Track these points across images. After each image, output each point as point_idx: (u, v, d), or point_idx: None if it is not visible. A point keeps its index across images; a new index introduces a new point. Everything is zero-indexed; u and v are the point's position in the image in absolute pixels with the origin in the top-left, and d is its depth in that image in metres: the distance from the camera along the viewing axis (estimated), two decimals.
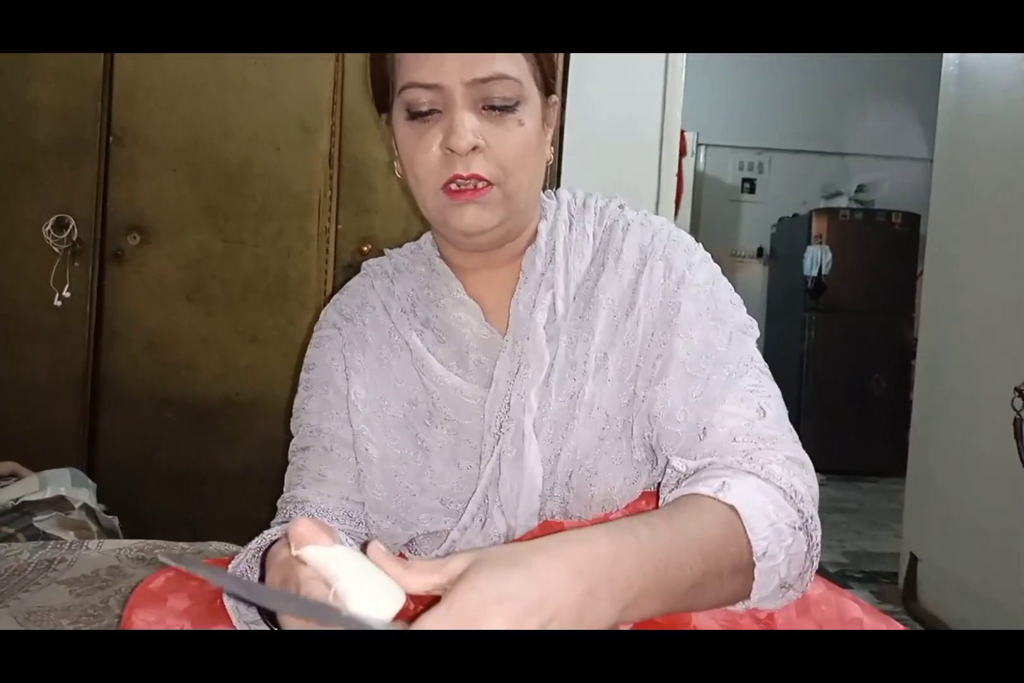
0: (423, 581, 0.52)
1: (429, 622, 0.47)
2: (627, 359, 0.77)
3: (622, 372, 0.77)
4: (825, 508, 3.87)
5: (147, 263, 2.10)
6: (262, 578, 0.69)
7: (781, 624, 0.71)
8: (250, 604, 0.67)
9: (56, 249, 2.06)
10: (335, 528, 0.72)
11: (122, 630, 0.61)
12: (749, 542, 0.61)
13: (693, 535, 0.59)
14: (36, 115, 2.05)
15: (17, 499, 1.52)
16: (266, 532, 0.74)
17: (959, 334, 2.28)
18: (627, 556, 0.54)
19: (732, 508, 0.62)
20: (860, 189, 4.87)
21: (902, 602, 2.37)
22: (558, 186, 2.14)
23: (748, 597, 0.63)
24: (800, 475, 0.69)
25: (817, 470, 3.00)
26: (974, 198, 2.26)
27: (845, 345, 4.51)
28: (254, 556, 0.71)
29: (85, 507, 1.58)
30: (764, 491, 0.65)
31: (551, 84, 0.78)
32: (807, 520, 0.66)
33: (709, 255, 0.83)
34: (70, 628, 0.89)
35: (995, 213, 2.13)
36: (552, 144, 0.82)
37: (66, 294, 2.06)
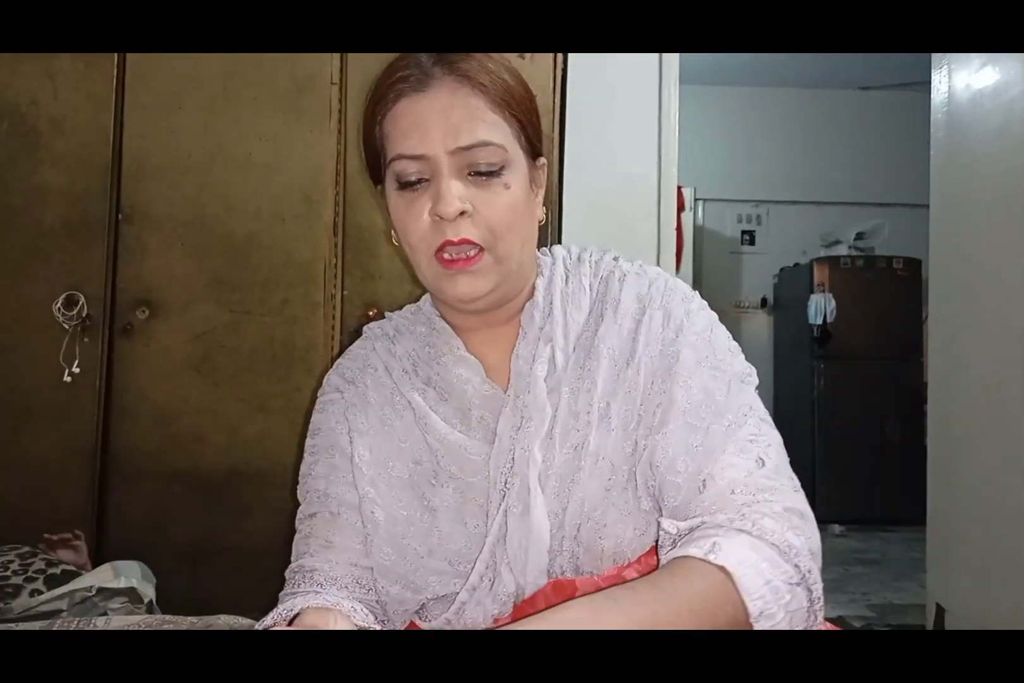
0: None
1: None
2: (630, 408, 0.77)
3: (625, 421, 0.77)
4: (847, 560, 3.80)
5: (155, 337, 2.13)
6: None
7: None
8: None
9: (66, 326, 2.09)
10: (345, 609, 0.71)
11: (117, 630, 0.60)
12: (744, 603, 0.60)
13: (680, 595, 0.59)
14: (45, 198, 2.11)
15: (92, 587, 1.51)
16: (279, 607, 0.73)
17: (968, 377, 2.27)
18: (607, 617, 0.55)
19: (723, 569, 0.61)
20: (859, 237, 4.92)
21: None
22: (560, 240, 2.18)
23: None
24: (798, 527, 0.68)
25: (836, 521, 2.98)
26: (971, 242, 2.28)
27: (855, 392, 4.48)
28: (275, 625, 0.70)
29: (150, 604, 1.57)
30: (757, 549, 0.64)
31: (537, 147, 0.81)
32: (804, 575, 0.65)
33: (706, 303, 0.84)
34: None
35: (993, 255, 2.15)
36: (546, 205, 0.84)
37: (75, 370, 2.08)
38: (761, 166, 5.25)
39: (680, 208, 4.51)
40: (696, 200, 5.11)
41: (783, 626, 0.63)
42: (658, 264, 2.26)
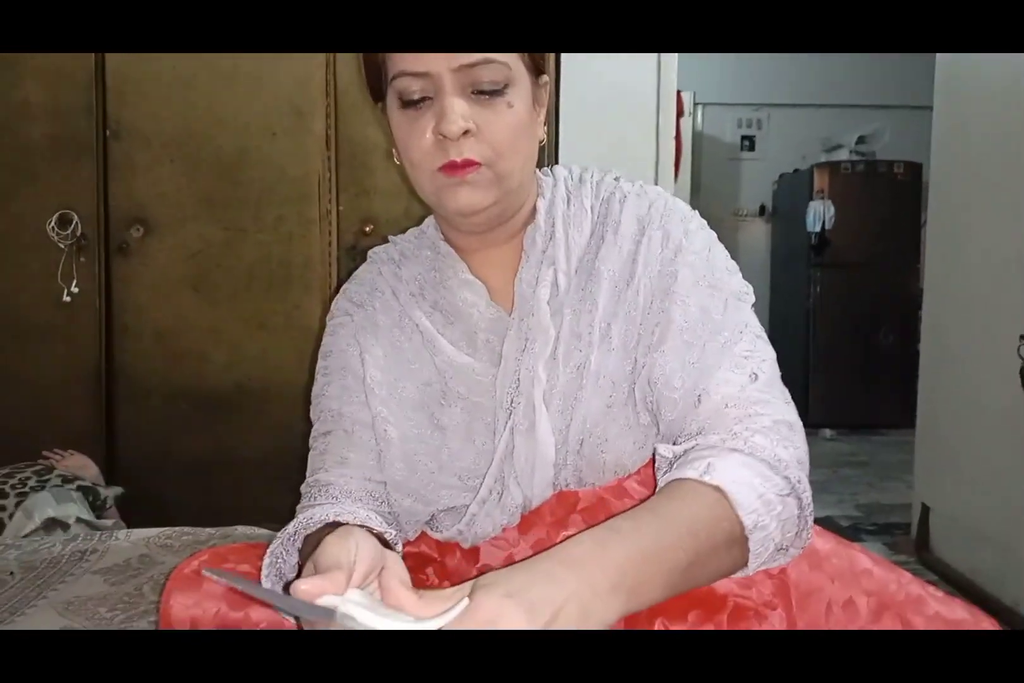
0: (435, 608, 0.55)
1: (454, 625, 0.51)
2: (630, 328, 0.79)
3: (625, 341, 0.79)
4: (836, 463, 3.91)
5: (151, 255, 2.12)
6: (297, 563, 0.73)
7: (794, 577, 0.73)
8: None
9: (61, 245, 2.08)
10: (360, 518, 0.74)
11: (127, 631, 0.63)
12: (740, 518, 0.64)
13: (681, 518, 0.62)
14: (30, 114, 2.06)
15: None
16: (300, 517, 0.76)
17: (964, 283, 2.28)
18: (612, 549, 0.58)
19: (718, 488, 0.64)
20: (861, 141, 4.83)
21: (915, 552, 2.40)
22: (556, 154, 2.14)
23: (747, 565, 0.66)
24: (787, 438, 0.71)
25: (827, 425, 3.06)
26: (975, 145, 2.25)
27: (851, 299, 4.50)
28: (290, 541, 0.74)
29: (80, 520, 1.61)
30: (749, 465, 0.67)
31: (541, 64, 0.79)
32: (794, 485, 0.68)
33: (705, 222, 0.84)
34: (108, 615, 0.92)
35: (996, 160, 2.12)
36: (546, 122, 0.83)
37: (74, 289, 2.08)
38: (763, 68, 5.08)
39: (679, 113, 4.41)
40: (696, 105, 4.97)
41: (776, 535, 0.66)
42: (656, 172, 2.24)
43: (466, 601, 0.53)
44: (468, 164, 0.74)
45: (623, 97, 2.18)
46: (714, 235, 0.83)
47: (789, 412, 0.74)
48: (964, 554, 2.21)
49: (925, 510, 2.40)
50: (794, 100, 5.13)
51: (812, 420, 4.49)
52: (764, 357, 0.77)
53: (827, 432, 4.30)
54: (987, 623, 0.74)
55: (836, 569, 0.74)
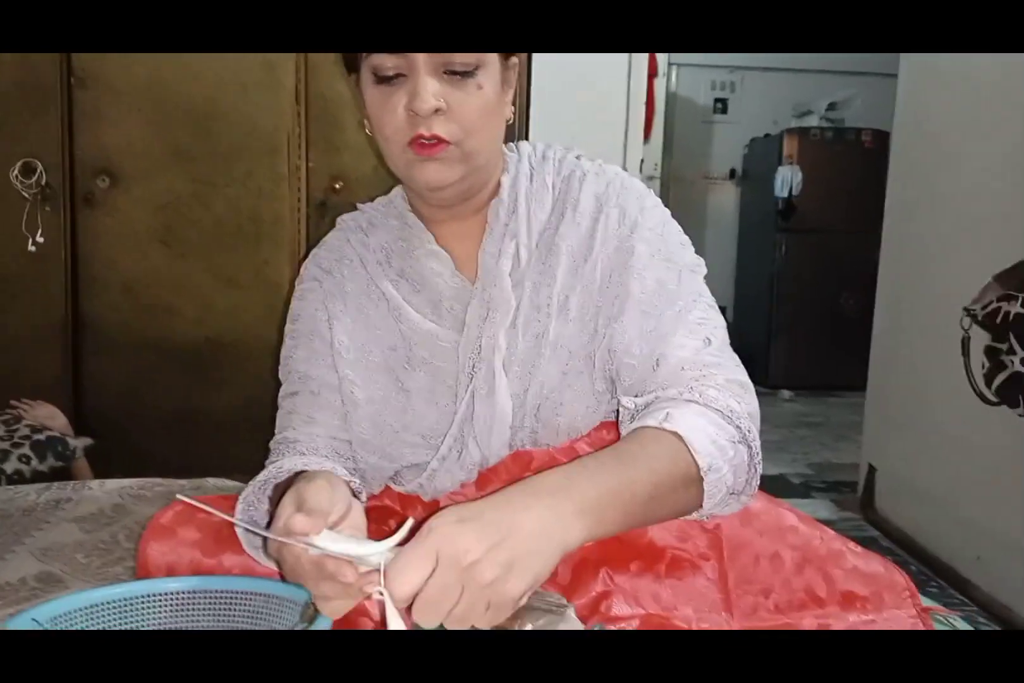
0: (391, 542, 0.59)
1: (408, 546, 0.56)
2: (587, 300, 0.84)
3: (582, 312, 0.84)
4: (792, 423, 4.02)
5: (118, 207, 2.11)
6: (268, 510, 0.78)
7: (727, 532, 0.80)
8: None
9: (25, 194, 2.07)
10: (327, 468, 0.79)
11: (124, 631, 0.67)
12: (695, 460, 0.69)
13: (641, 458, 0.68)
14: None
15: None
16: (271, 468, 0.81)
17: (918, 252, 2.35)
18: (578, 477, 0.63)
19: (676, 434, 0.70)
20: (831, 107, 4.85)
21: (860, 510, 2.52)
22: (527, 116, 2.16)
23: (701, 506, 0.72)
24: (739, 394, 0.77)
25: (787, 387, 3.15)
26: (938, 115, 2.29)
27: (815, 264, 4.58)
28: (261, 489, 0.79)
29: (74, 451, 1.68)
30: (703, 415, 0.73)
31: None
32: (745, 434, 0.74)
33: (659, 200, 0.89)
34: (84, 562, 0.96)
35: (959, 131, 2.17)
36: (515, 100, 0.86)
37: (39, 240, 2.07)
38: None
39: (652, 74, 4.39)
40: (670, 65, 4.95)
41: (728, 478, 0.72)
42: (626, 133, 2.26)
43: (410, 521, 0.58)
44: (437, 141, 0.77)
45: (595, 59, 2.18)
46: (668, 212, 0.88)
47: (740, 373, 0.80)
48: (906, 512, 2.32)
49: (871, 470, 2.51)
50: (768, 64, 5.13)
51: (772, 381, 4.61)
52: (716, 324, 0.82)
53: (785, 393, 4.42)
54: (899, 576, 0.81)
55: (764, 525, 0.81)
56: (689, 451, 0.69)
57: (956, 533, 2.05)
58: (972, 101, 2.11)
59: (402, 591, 0.54)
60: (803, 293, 4.59)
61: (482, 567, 0.55)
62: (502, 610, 0.57)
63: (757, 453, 0.75)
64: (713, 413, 0.73)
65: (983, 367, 1.81)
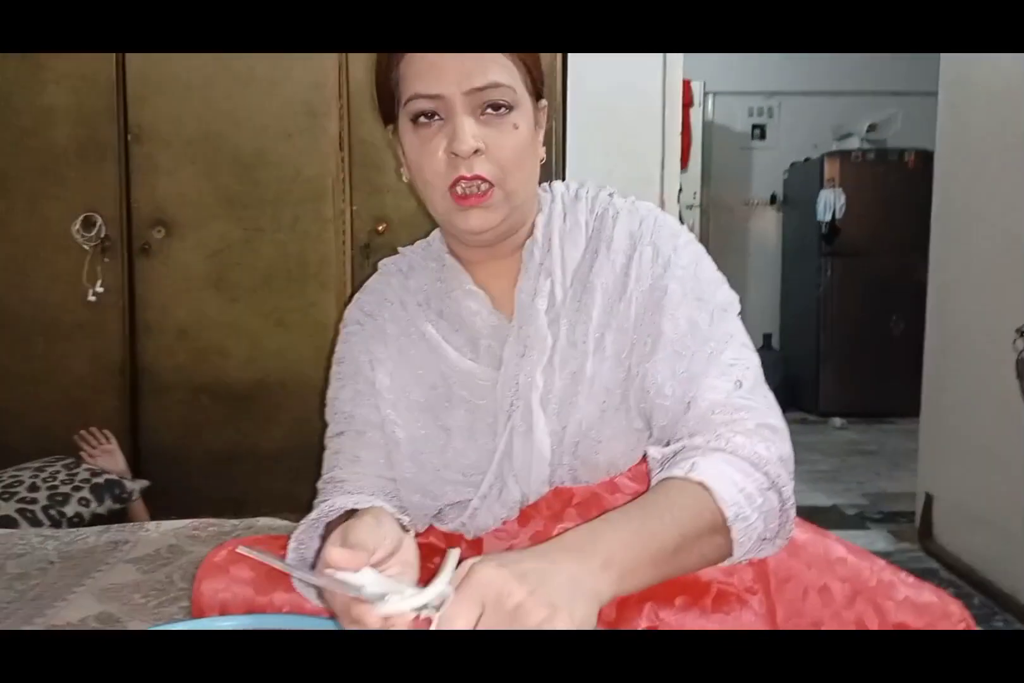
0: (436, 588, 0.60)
1: (455, 593, 0.57)
2: (622, 338, 0.85)
3: (618, 350, 0.85)
4: (845, 451, 3.93)
5: (173, 255, 2.19)
6: (318, 549, 0.79)
7: (774, 565, 0.80)
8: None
9: (86, 247, 2.16)
10: (376, 512, 0.81)
11: (130, 630, 0.69)
12: (721, 509, 0.70)
13: (666, 509, 0.68)
14: (54, 119, 2.13)
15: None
16: (322, 506, 0.83)
17: (967, 273, 2.31)
18: (604, 535, 0.64)
19: (701, 483, 0.70)
20: (871, 128, 4.81)
21: (918, 540, 2.45)
22: (564, 148, 2.19)
23: (732, 554, 0.72)
24: (769, 439, 0.77)
25: (838, 414, 3.09)
26: (980, 133, 2.26)
27: (862, 288, 4.51)
28: (312, 528, 0.81)
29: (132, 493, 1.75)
30: (730, 462, 0.73)
31: (540, 89, 0.85)
32: (774, 479, 0.74)
33: (693, 237, 0.90)
34: (142, 601, 0.99)
35: (1001, 148, 2.14)
36: (545, 142, 0.89)
37: (99, 289, 2.16)
38: (772, 56, 5.07)
39: (687, 103, 4.42)
40: (705, 94, 4.98)
41: (759, 526, 0.72)
42: (662, 163, 2.27)
43: (452, 561, 0.60)
44: (478, 180, 0.79)
45: (629, 89, 2.21)
46: (702, 249, 0.89)
47: (772, 415, 0.80)
48: (967, 543, 2.25)
49: (928, 498, 2.44)
50: (805, 88, 5.12)
51: (823, 409, 4.52)
52: (748, 365, 0.82)
53: (837, 421, 4.33)
54: (954, 606, 0.80)
55: (812, 556, 0.80)
56: (714, 500, 0.70)
57: (1020, 563, 1.98)
58: (1014, 115, 2.08)
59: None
60: (851, 318, 4.52)
61: (527, 608, 0.56)
62: None
63: (789, 498, 0.75)
64: (740, 461, 0.73)
65: None
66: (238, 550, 0.63)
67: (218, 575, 0.83)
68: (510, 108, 0.80)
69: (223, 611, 0.82)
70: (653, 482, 0.75)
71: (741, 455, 0.74)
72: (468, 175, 0.79)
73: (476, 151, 0.78)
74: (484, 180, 0.79)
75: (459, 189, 0.80)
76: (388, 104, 0.84)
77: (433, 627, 0.57)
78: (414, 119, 0.81)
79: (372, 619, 0.59)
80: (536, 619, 0.55)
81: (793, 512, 0.77)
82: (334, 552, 0.61)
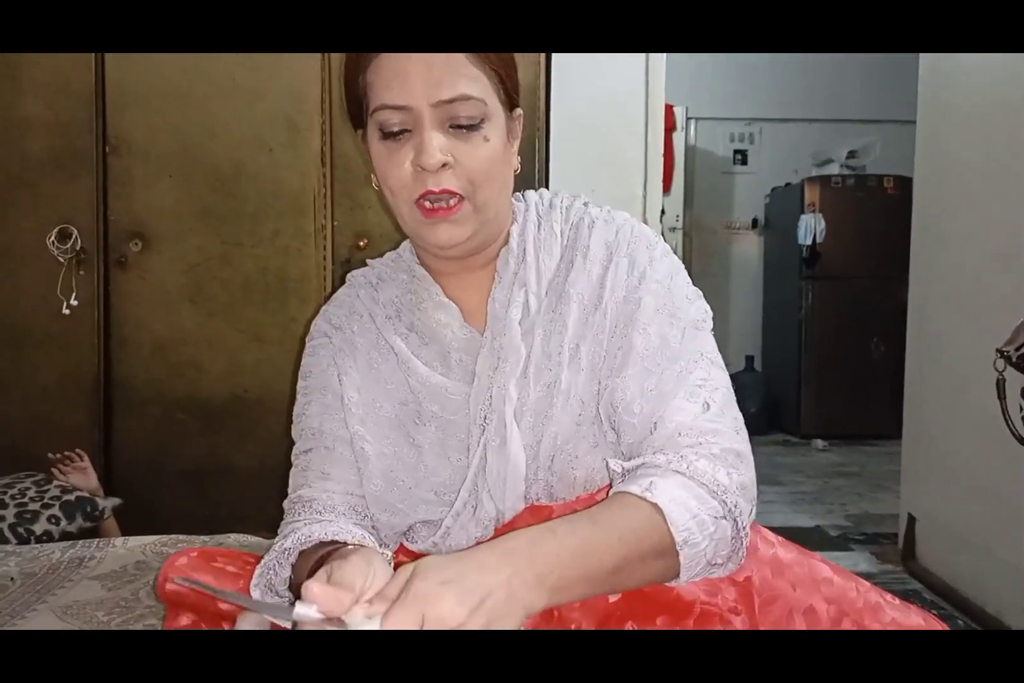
0: (384, 600, 0.59)
1: (393, 612, 0.57)
2: (597, 350, 0.83)
3: (593, 362, 0.83)
4: (828, 473, 3.94)
5: (149, 268, 2.16)
6: (288, 577, 0.78)
7: (758, 585, 0.77)
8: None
9: (61, 259, 2.12)
10: (357, 537, 0.78)
11: (125, 630, 0.67)
12: (671, 533, 0.69)
13: (613, 526, 0.67)
14: (31, 130, 2.10)
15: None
16: (297, 534, 0.79)
17: (946, 295, 2.33)
18: (544, 546, 0.63)
19: (655, 505, 0.69)
20: (851, 155, 4.87)
21: (901, 561, 2.44)
22: (547, 171, 2.19)
23: (678, 576, 0.71)
24: (733, 465, 0.75)
25: (819, 436, 3.11)
26: (957, 159, 2.29)
27: (842, 311, 4.55)
28: (285, 556, 0.78)
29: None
30: (687, 488, 0.71)
31: (514, 99, 0.83)
32: (731, 508, 0.73)
33: (669, 248, 0.89)
34: (105, 619, 0.95)
35: (979, 174, 2.17)
36: (520, 151, 0.87)
37: (73, 302, 2.12)
38: (754, 83, 5.15)
39: (670, 127, 4.46)
40: (688, 119, 5.03)
41: (709, 552, 0.71)
42: (645, 186, 2.28)
43: (378, 617, 0.58)
44: (446, 194, 0.77)
45: (612, 112, 2.22)
46: (677, 262, 0.87)
47: (738, 441, 0.78)
48: (949, 563, 2.24)
49: (911, 520, 2.43)
50: (785, 115, 5.20)
51: (804, 431, 4.53)
52: (717, 385, 0.80)
53: (819, 443, 4.34)
54: (939, 628, 0.78)
55: (797, 577, 0.78)
56: (666, 523, 0.69)
57: (1003, 584, 1.97)
58: (991, 141, 2.11)
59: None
60: (832, 340, 4.55)
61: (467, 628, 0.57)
62: None
63: (744, 527, 0.74)
64: (698, 487, 0.72)
65: (1020, 409, 1.77)
66: (175, 580, 0.62)
67: (182, 574, 0.81)
68: (480, 120, 0.78)
69: (192, 608, 0.80)
70: (607, 496, 0.74)
71: (700, 481, 0.72)
72: (436, 189, 0.77)
73: (444, 165, 0.77)
74: (453, 194, 0.78)
75: (427, 202, 0.78)
76: (356, 110, 0.82)
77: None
78: (382, 130, 0.79)
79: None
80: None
81: (747, 540, 0.75)
82: (315, 587, 0.59)
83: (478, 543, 0.83)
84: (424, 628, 0.56)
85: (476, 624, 0.57)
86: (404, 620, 0.56)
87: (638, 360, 0.80)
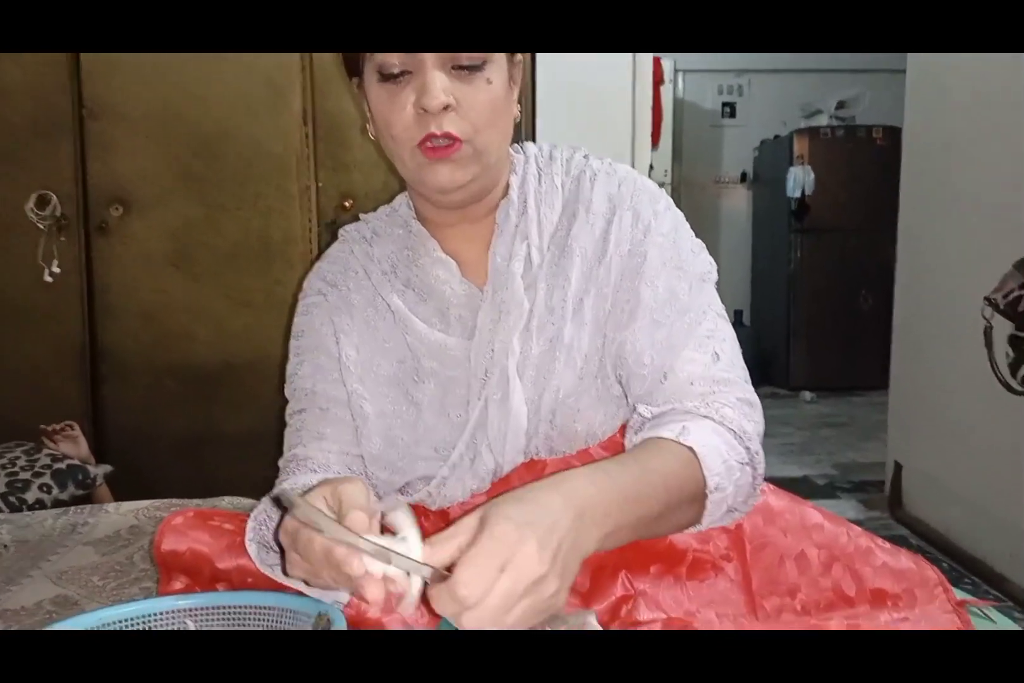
0: (447, 548, 0.56)
1: (474, 553, 0.53)
2: (600, 304, 0.82)
3: (596, 316, 0.82)
4: (816, 424, 3.98)
5: (132, 234, 2.13)
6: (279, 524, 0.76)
7: (749, 532, 0.78)
8: (269, 550, 0.74)
9: (40, 226, 2.09)
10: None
11: (122, 631, 0.67)
12: (704, 478, 0.69)
13: (659, 472, 0.67)
14: (7, 96, 2.05)
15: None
16: (286, 484, 0.80)
17: (935, 246, 2.33)
18: (604, 489, 0.62)
19: (691, 449, 0.69)
20: (840, 106, 4.83)
21: (888, 508, 2.48)
22: (534, 124, 2.16)
23: (699, 522, 0.72)
24: (748, 414, 0.76)
25: (808, 387, 3.14)
26: (947, 108, 2.27)
27: (831, 264, 4.55)
28: (273, 508, 0.77)
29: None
30: (718, 433, 0.72)
31: None
32: (753, 456, 0.74)
33: (672, 202, 0.87)
34: (100, 583, 0.96)
35: (969, 123, 2.15)
36: (521, 98, 0.85)
37: (55, 269, 2.09)
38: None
39: (658, 81, 4.40)
40: (676, 71, 4.96)
41: (730, 498, 0.72)
42: (633, 140, 2.25)
43: (405, 519, 0.56)
44: (449, 139, 0.75)
45: (599, 67, 2.18)
46: (681, 215, 0.86)
47: (748, 391, 0.79)
48: (935, 510, 2.28)
49: (898, 468, 2.47)
50: (774, 66, 5.12)
51: (793, 383, 4.56)
52: (724, 337, 0.81)
53: (807, 394, 4.37)
54: (931, 571, 0.79)
55: (788, 523, 0.79)
56: (700, 468, 0.69)
57: (987, 529, 2.01)
58: (982, 92, 2.08)
59: (472, 597, 0.52)
60: (820, 293, 4.56)
61: (548, 581, 0.54)
62: (546, 617, 0.57)
63: (760, 475, 0.75)
64: (727, 432, 0.73)
65: (1007, 357, 1.78)
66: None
67: (178, 535, 0.81)
68: (483, 62, 0.76)
69: (185, 571, 0.80)
70: (636, 439, 0.74)
71: (728, 426, 0.73)
72: (438, 132, 0.75)
73: (446, 107, 0.74)
74: (454, 138, 0.76)
75: (429, 144, 0.76)
76: (353, 56, 0.80)
77: (439, 589, 0.53)
78: (381, 73, 0.76)
79: (357, 565, 0.54)
80: (550, 590, 0.54)
81: (760, 487, 0.77)
82: (356, 517, 0.56)
83: (473, 495, 0.83)
84: (504, 578, 0.52)
85: (557, 575, 0.55)
86: (486, 566, 0.52)
87: (647, 313, 0.80)
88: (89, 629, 0.64)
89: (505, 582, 0.52)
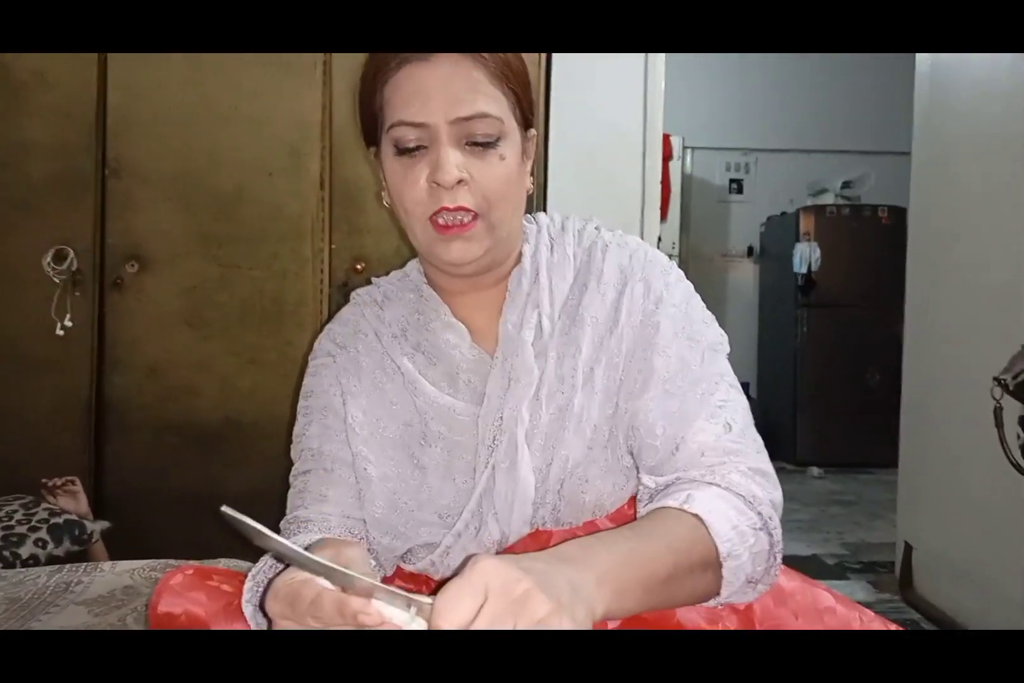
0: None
1: (457, 581, 0.53)
2: (611, 374, 0.82)
3: (607, 386, 0.82)
4: (824, 501, 3.92)
5: (146, 290, 2.15)
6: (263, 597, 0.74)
7: (760, 613, 0.76)
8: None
9: (56, 280, 2.11)
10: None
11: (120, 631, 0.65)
12: (715, 545, 0.67)
13: (660, 536, 0.66)
14: (32, 152, 2.11)
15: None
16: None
17: (943, 324, 2.33)
18: (597, 552, 0.61)
19: (697, 516, 0.68)
20: (846, 185, 4.93)
21: (898, 590, 2.41)
22: (545, 197, 2.20)
23: (719, 594, 0.69)
24: (760, 483, 0.75)
25: (815, 464, 3.09)
26: (953, 190, 2.31)
27: (838, 340, 4.56)
28: (272, 568, 0.76)
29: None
30: (725, 499, 0.71)
31: (530, 119, 0.83)
32: (766, 521, 0.72)
33: (683, 273, 0.89)
34: None
35: (975, 204, 2.18)
36: (533, 171, 0.87)
37: (68, 323, 2.10)
38: (750, 113, 5.21)
39: (667, 156, 4.50)
40: (684, 148, 5.08)
41: (748, 566, 0.70)
42: (642, 213, 2.29)
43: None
44: (461, 211, 0.77)
45: (610, 141, 2.24)
46: (691, 287, 0.88)
47: (761, 461, 0.78)
48: (946, 592, 2.22)
49: (908, 549, 2.41)
50: (781, 145, 5.25)
51: (800, 458, 4.52)
52: (737, 406, 0.81)
53: (815, 470, 4.32)
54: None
55: (800, 605, 0.77)
56: (709, 534, 0.68)
57: (1000, 613, 1.95)
58: (986, 172, 2.12)
59: (455, 622, 0.51)
60: (827, 368, 4.56)
61: (536, 599, 0.52)
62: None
63: (778, 541, 0.73)
64: (735, 498, 0.72)
65: (1018, 438, 1.76)
66: (222, 509, 0.57)
67: (175, 594, 0.78)
68: (497, 139, 0.78)
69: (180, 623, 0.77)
70: (643, 511, 0.73)
71: (736, 492, 0.72)
72: (451, 206, 0.77)
73: (460, 181, 0.76)
74: (467, 211, 0.77)
75: (441, 219, 0.78)
76: (371, 127, 0.82)
77: (431, 617, 0.52)
78: (397, 146, 0.79)
79: (375, 616, 0.53)
80: (542, 611, 0.52)
81: (780, 557, 0.75)
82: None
83: None
84: (489, 600, 0.52)
85: (545, 597, 0.53)
86: (465, 590, 0.52)
87: (659, 383, 0.80)
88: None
89: (489, 603, 0.52)
